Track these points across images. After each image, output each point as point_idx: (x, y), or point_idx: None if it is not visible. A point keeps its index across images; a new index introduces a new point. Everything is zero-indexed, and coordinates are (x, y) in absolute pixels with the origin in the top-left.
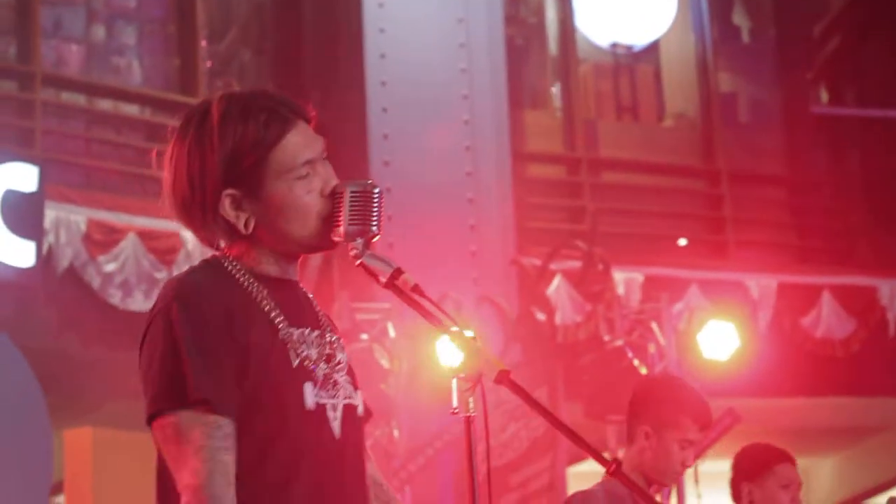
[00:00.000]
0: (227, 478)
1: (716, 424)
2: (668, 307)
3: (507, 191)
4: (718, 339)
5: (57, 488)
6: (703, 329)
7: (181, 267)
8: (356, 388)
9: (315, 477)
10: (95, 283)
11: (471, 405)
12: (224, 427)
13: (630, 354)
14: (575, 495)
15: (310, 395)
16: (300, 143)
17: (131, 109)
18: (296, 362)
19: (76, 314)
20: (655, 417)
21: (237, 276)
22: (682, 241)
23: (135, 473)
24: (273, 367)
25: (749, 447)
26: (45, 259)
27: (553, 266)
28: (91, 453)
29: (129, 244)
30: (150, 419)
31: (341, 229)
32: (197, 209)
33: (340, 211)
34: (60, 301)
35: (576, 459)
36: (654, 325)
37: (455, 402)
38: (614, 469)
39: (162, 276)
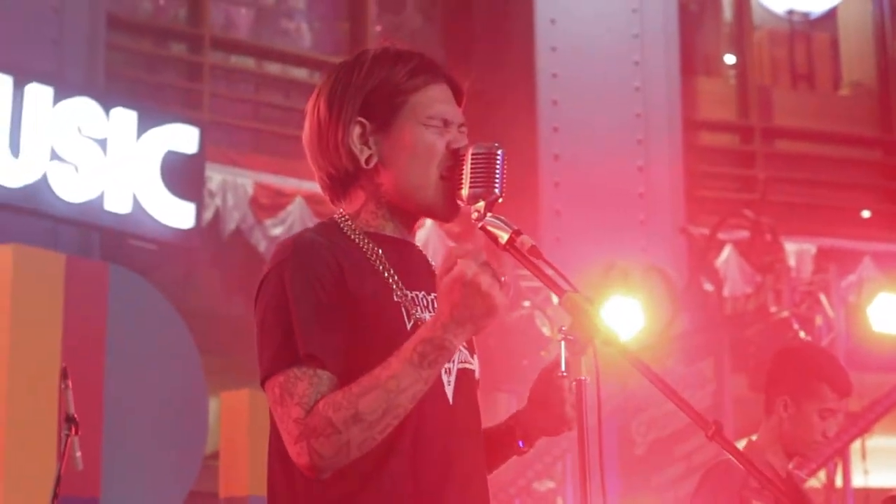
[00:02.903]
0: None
1: (884, 399)
2: (838, 279)
3: (677, 159)
4: (889, 312)
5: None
6: (874, 301)
7: None
8: (473, 353)
9: (425, 441)
10: (261, 246)
11: (583, 368)
12: (332, 379)
13: (796, 326)
14: (718, 464)
15: None
16: (441, 98)
17: (300, 73)
18: (410, 324)
19: (242, 277)
20: (794, 387)
21: (352, 236)
22: (866, 213)
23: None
24: (386, 328)
25: None
26: (212, 222)
27: (723, 236)
28: (248, 416)
29: (295, 208)
30: (263, 382)
31: (464, 191)
32: (331, 134)
33: (462, 173)
34: (226, 264)
35: (743, 433)
36: (822, 297)
37: (563, 365)
38: (713, 432)
39: None
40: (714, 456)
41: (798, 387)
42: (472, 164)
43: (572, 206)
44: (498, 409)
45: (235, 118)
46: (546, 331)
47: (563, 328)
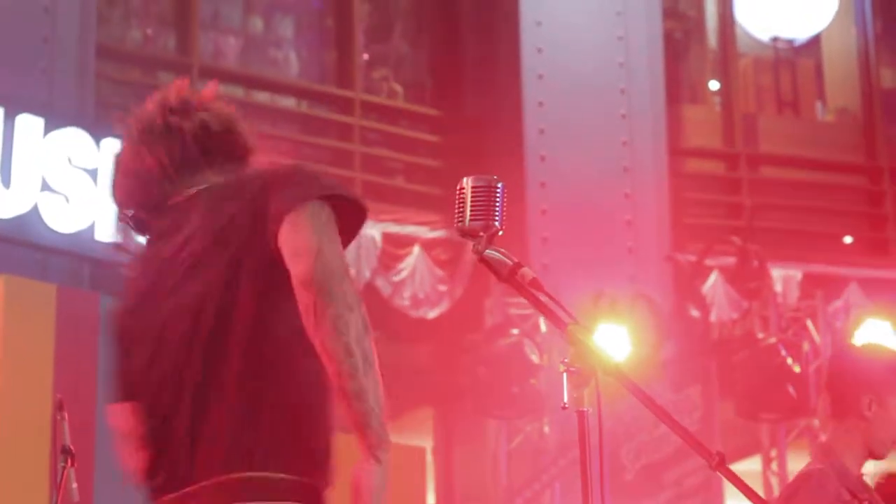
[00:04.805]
0: None
1: None
2: (825, 305)
3: (663, 186)
4: (876, 338)
5: None
6: (860, 327)
7: None
8: None
9: None
10: None
11: (585, 400)
12: None
13: (783, 352)
14: (809, 477)
15: None
16: None
17: (288, 102)
18: None
19: None
20: (879, 385)
21: None
22: (848, 239)
23: None
24: None
25: None
26: None
27: (710, 262)
28: None
29: None
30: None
31: (464, 223)
32: None
33: (464, 206)
34: None
35: (732, 458)
36: (809, 323)
37: (566, 397)
38: (717, 463)
39: None
40: (703, 482)
41: (883, 384)
42: (472, 196)
43: (560, 234)
44: (488, 436)
45: None
46: (535, 358)
47: (566, 360)
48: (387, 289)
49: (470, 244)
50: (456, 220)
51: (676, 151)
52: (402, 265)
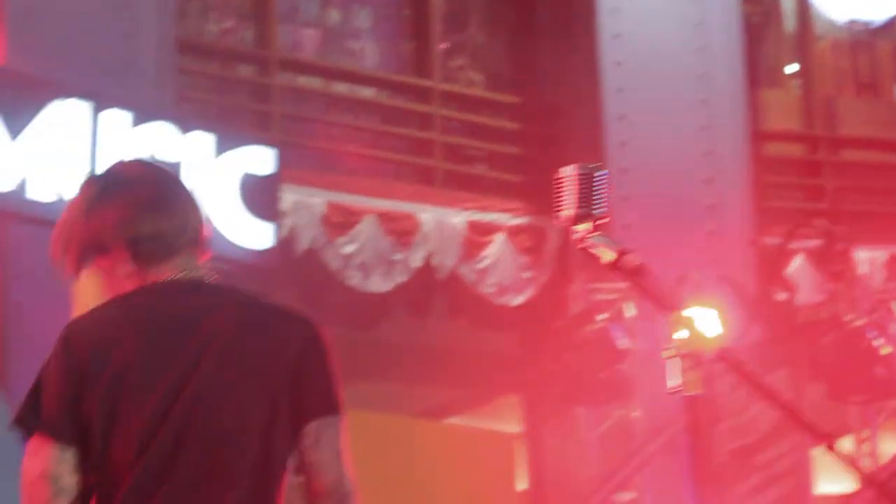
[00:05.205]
0: None
1: None
2: None
3: (744, 170)
4: None
5: None
6: None
7: (419, 248)
8: None
9: None
10: (334, 264)
11: (695, 383)
12: None
13: (872, 334)
14: None
15: None
16: None
17: (367, 92)
18: None
19: (315, 296)
20: None
21: None
22: None
23: (368, 453)
24: None
25: None
26: (285, 241)
27: (793, 245)
28: None
29: (367, 226)
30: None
31: (568, 212)
32: None
33: (565, 194)
34: (299, 283)
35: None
36: (894, 305)
37: (675, 381)
38: (830, 444)
39: (399, 257)
40: (794, 465)
41: None
42: (576, 184)
43: (642, 220)
44: (576, 422)
45: (305, 138)
46: (624, 343)
47: (676, 345)
48: (471, 276)
49: (567, 231)
50: (559, 209)
51: (756, 135)
52: (485, 253)
